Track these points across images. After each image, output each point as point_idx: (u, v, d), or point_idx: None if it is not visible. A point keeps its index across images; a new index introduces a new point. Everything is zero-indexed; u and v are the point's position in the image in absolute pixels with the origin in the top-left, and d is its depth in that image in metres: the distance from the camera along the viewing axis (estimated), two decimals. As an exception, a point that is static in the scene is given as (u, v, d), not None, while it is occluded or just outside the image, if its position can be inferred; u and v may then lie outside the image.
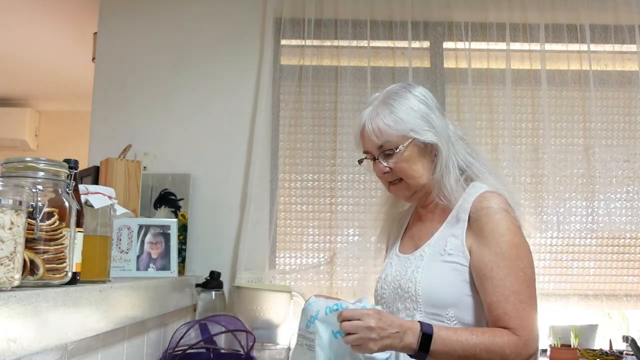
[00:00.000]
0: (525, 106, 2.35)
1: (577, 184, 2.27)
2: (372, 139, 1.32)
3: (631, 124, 2.34)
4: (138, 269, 1.75)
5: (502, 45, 2.35)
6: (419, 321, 1.18)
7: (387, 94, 1.36)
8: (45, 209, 0.96)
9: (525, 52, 2.36)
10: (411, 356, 1.17)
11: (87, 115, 2.42)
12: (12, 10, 2.89)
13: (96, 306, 1.10)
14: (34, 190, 0.94)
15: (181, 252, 2.08)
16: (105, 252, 1.27)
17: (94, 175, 1.97)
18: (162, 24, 2.37)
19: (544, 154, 2.28)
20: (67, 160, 1.08)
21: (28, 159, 1.01)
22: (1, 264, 0.83)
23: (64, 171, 1.05)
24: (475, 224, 1.26)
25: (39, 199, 0.94)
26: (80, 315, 1.03)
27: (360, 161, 1.42)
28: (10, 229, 0.85)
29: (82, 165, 1.50)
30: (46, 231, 0.97)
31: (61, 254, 1.00)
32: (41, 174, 1.00)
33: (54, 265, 0.99)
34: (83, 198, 1.19)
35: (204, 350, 1.79)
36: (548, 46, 2.34)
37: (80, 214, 1.10)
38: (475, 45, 2.36)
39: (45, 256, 0.97)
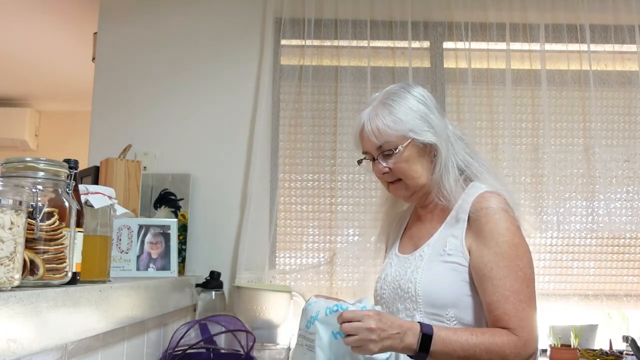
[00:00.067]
0: (525, 106, 2.35)
1: (577, 184, 2.27)
2: (371, 139, 1.32)
3: (631, 124, 2.34)
4: (138, 269, 1.75)
5: (502, 45, 2.35)
6: (418, 322, 1.18)
7: (386, 94, 1.36)
8: (45, 209, 0.96)
9: (525, 52, 2.36)
10: (411, 357, 1.17)
11: (87, 115, 2.41)
12: (12, 10, 2.89)
13: (96, 306, 1.10)
14: (34, 190, 0.94)
15: (181, 252, 2.08)
16: (105, 252, 1.27)
17: (94, 175, 1.97)
18: (162, 24, 2.37)
19: (544, 154, 2.28)
20: (67, 160, 1.08)
21: (28, 159, 1.01)
22: (1, 264, 0.83)
23: (64, 171, 1.05)
24: (474, 224, 1.26)
25: (39, 199, 0.94)
26: (80, 315, 1.03)
27: (359, 161, 1.42)
28: (10, 229, 0.85)
29: (82, 165, 1.50)
30: (46, 231, 0.97)
31: (61, 254, 1.00)
32: (41, 174, 1.00)
33: (54, 265, 0.99)
34: (83, 198, 1.19)
35: (204, 350, 1.79)
36: (548, 46, 2.34)
37: (80, 214, 1.10)
38: (475, 45, 2.35)
39: (45, 256, 0.97)
